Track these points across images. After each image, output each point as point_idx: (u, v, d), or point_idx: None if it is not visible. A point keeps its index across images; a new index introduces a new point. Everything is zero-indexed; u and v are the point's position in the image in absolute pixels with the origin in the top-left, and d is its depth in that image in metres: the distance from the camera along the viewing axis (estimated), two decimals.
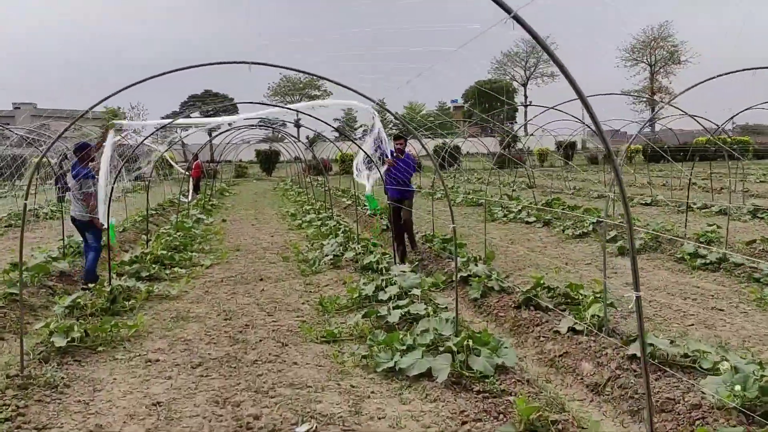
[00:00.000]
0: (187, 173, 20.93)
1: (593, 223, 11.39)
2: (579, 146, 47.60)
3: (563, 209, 14.19)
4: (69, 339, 5.07)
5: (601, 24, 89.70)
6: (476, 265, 7.78)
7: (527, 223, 13.01)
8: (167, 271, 8.30)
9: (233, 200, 22.06)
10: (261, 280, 8.05)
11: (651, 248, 9.18)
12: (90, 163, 7.39)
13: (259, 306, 6.73)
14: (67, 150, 22.44)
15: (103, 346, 5.28)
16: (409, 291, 6.39)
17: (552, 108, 11.81)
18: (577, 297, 6.06)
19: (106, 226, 6.97)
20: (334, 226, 11.81)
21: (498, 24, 2.79)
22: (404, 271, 7.01)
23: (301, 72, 4.92)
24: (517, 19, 2.73)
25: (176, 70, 5.00)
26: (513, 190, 22.39)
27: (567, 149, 41.90)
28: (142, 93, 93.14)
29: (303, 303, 6.83)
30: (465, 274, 7.35)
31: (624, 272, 7.88)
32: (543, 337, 5.26)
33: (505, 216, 13.84)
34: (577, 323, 5.11)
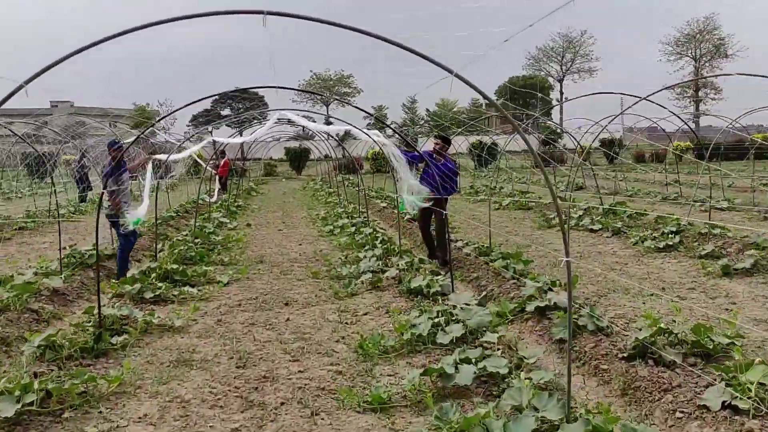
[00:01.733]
0: (214, 171, 19.80)
1: (674, 232, 9.68)
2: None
3: (632, 214, 12.47)
4: (22, 405, 3.70)
5: (643, 15, 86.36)
6: (553, 290, 6.23)
7: (592, 231, 11.34)
8: (176, 291, 6.93)
9: (260, 201, 20.80)
10: (286, 304, 6.62)
11: (765, 269, 7.45)
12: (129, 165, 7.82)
13: (282, 344, 5.29)
14: (89, 147, 21.63)
15: (70, 410, 3.90)
16: (478, 332, 4.87)
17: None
18: (709, 346, 4.47)
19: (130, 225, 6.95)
20: (370, 234, 10.35)
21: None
22: (468, 304, 5.47)
23: (320, 22, 3.27)
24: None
25: (160, 22, 3.53)
26: (563, 191, 20.64)
27: (611, 146, 39.80)
28: (171, 90, 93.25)
29: (338, 340, 5.37)
30: (541, 304, 5.80)
31: (743, 300, 6.22)
32: (681, 412, 3.69)
33: (564, 223, 12.16)
34: (736, 397, 3.53)
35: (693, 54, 64.75)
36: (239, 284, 7.69)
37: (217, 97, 67.76)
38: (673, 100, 62.00)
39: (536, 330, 5.65)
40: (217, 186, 17.77)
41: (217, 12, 3.37)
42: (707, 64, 64.77)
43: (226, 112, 70.23)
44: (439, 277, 6.78)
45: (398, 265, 7.75)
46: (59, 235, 8.40)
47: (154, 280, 7.21)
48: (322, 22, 3.41)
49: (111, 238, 9.31)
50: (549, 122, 42.10)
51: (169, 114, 42.11)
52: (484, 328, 4.96)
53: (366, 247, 9.46)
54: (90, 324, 5.29)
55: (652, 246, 9.24)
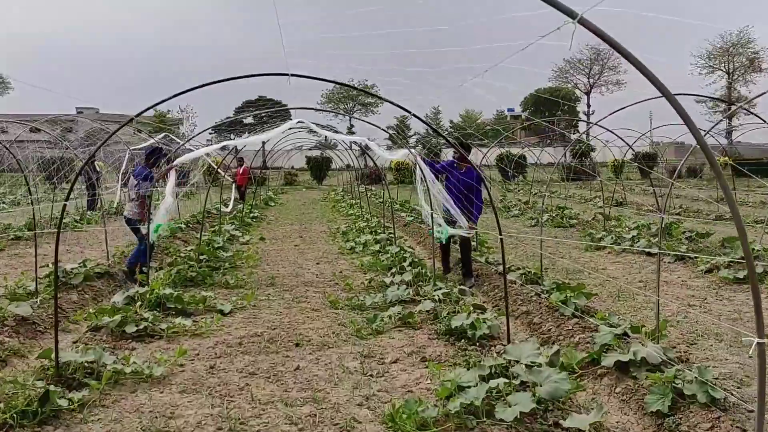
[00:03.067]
0: (231, 180, 18.77)
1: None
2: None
3: (692, 236, 11.03)
4: None
5: (675, 30, 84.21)
6: (634, 337, 4.91)
7: (649, 254, 9.94)
8: (164, 325, 5.73)
9: (278, 211, 19.69)
10: (297, 345, 5.38)
11: None
12: (154, 169, 7.82)
13: (287, 406, 4.05)
14: (100, 154, 20.75)
15: None
16: (553, 402, 3.58)
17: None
18: None
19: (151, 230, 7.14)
20: (397, 254, 9.10)
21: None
22: (536, 362, 4.15)
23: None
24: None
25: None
26: (600, 207, 19.18)
27: (645, 160, 38.13)
28: (192, 98, 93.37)
29: (360, 403, 4.11)
30: (623, 358, 4.48)
31: None
32: None
33: (615, 243, 10.78)
34: None
35: (726, 68, 62.79)
36: (244, 314, 6.49)
37: (239, 106, 67.60)
38: (704, 114, 60.02)
39: (617, 392, 4.33)
40: (233, 195, 16.71)
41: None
42: (740, 78, 62.74)
43: (248, 120, 69.92)
44: (486, 315, 5.48)
45: (433, 295, 6.47)
46: (35, 248, 7.27)
47: (141, 309, 6.03)
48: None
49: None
50: (580, 135, 40.55)
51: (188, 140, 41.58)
52: (560, 398, 3.66)
53: (392, 270, 8.21)
54: (44, 373, 4.12)
55: (730, 276, 7.83)
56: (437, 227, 6.86)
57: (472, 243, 8.71)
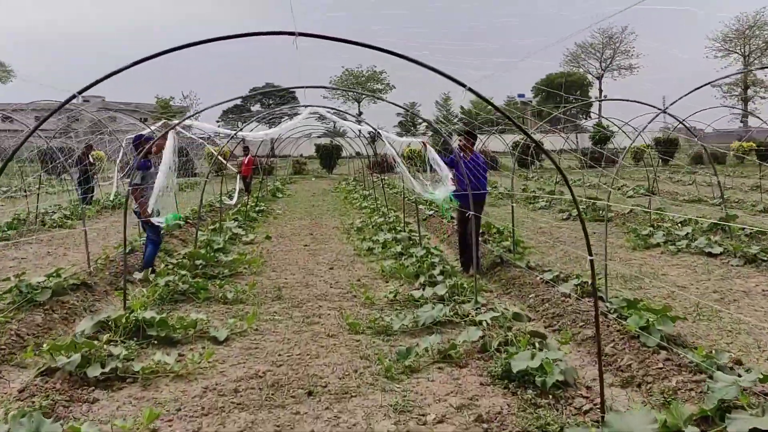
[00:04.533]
0: (235, 171, 17.56)
1: None
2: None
3: (752, 233, 9.69)
4: None
5: (689, 10, 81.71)
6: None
7: (709, 255, 8.61)
8: (138, 367, 4.45)
9: (286, 204, 18.45)
10: (309, 394, 4.14)
11: None
12: (150, 155, 7.44)
13: None
14: (90, 141, 19.58)
15: None
16: None
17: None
18: None
19: (155, 217, 6.64)
20: (423, 258, 7.84)
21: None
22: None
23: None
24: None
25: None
26: (631, 197, 17.80)
27: (668, 146, 36.54)
28: (198, 84, 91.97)
29: None
30: (761, 426, 3.22)
31: None
32: None
33: (668, 242, 9.45)
34: None
35: (742, 51, 60.79)
36: (243, 342, 5.26)
37: (248, 93, 66.29)
38: (720, 98, 58.18)
39: None
40: (237, 186, 15.50)
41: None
42: (756, 61, 60.72)
43: (256, 108, 68.55)
44: (555, 353, 4.20)
45: (476, 318, 5.22)
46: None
47: (115, 339, 4.83)
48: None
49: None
50: (598, 119, 38.98)
51: (196, 114, 40.39)
52: None
53: (421, 280, 6.95)
54: None
55: None
56: (430, 194, 7.37)
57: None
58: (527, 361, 4.02)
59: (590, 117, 66.74)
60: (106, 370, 4.24)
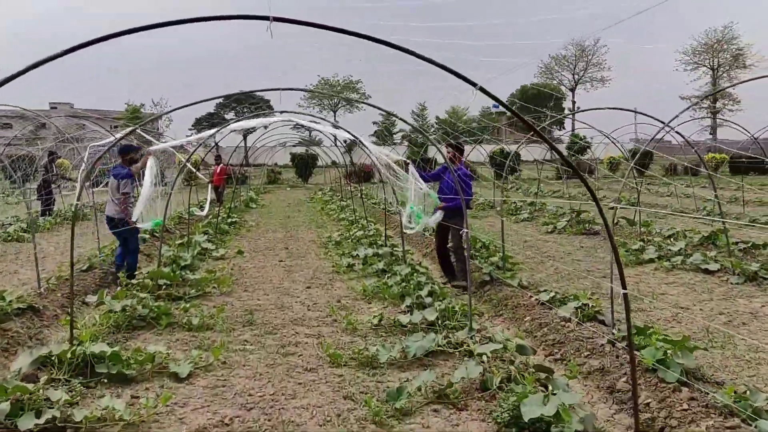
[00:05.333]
0: (206, 180, 16.81)
1: None
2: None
3: (746, 248, 9.34)
4: None
5: (659, 24, 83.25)
6: None
7: (706, 272, 8.22)
8: (83, 413, 3.76)
9: (260, 215, 17.73)
10: None
11: None
12: (133, 166, 7.71)
13: None
14: (54, 148, 18.59)
15: None
16: None
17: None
18: None
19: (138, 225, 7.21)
20: (408, 276, 7.27)
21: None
22: None
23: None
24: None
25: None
26: (612, 208, 17.49)
27: (643, 158, 36.74)
28: (170, 90, 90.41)
29: None
30: None
31: None
32: None
33: (662, 258, 9.04)
34: None
35: (711, 64, 62.12)
36: (207, 379, 4.60)
37: (221, 100, 65.20)
38: (689, 111, 59.20)
39: None
40: (209, 197, 14.75)
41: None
42: (725, 75, 62.06)
43: (230, 116, 67.36)
44: (572, 396, 3.65)
45: (473, 347, 4.66)
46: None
47: (58, 377, 4.14)
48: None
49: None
50: (571, 132, 39.12)
51: (167, 113, 39.33)
52: None
53: (407, 302, 6.37)
54: None
55: None
56: (410, 222, 6.96)
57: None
58: (540, 407, 3.46)
59: (563, 128, 67.40)
60: (42, 421, 3.55)
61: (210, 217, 14.35)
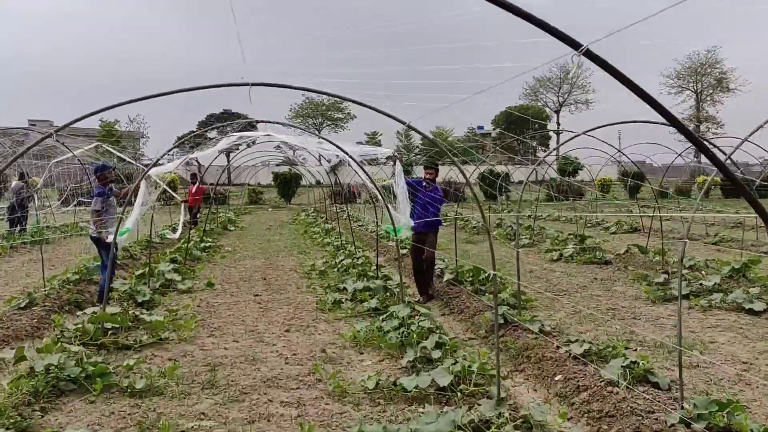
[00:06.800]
0: (180, 200, 15.54)
1: None
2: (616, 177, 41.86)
3: None
4: None
5: (643, 48, 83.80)
6: None
7: (751, 312, 7.10)
8: None
9: (237, 238, 16.40)
10: None
11: None
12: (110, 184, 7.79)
13: None
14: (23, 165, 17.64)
15: None
16: None
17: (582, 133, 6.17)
18: None
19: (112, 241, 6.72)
20: (408, 319, 6.03)
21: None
22: None
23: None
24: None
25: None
26: (613, 233, 16.45)
27: (635, 178, 36.09)
28: (149, 109, 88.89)
29: None
30: None
31: None
32: None
33: (694, 294, 7.92)
34: None
35: (694, 88, 62.39)
36: None
37: (203, 119, 63.90)
38: (674, 133, 59.14)
39: None
40: (182, 218, 13.43)
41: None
42: (708, 98, 62.36)
43: (213, 134, 66.06)
44: None
45: None
46: None
47: None
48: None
49: None
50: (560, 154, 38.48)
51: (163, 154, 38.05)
52: None
53: (410, 354, 5.13)
54: None
55: None
56: (388, 227, 7.34)
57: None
58: None
59: (548, 148, 66.94)
60: None
61: (182, 241, 13.03)
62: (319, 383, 4.84)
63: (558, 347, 5.46)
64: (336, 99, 67.49)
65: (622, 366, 4.66)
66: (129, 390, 4.58)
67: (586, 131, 7.43)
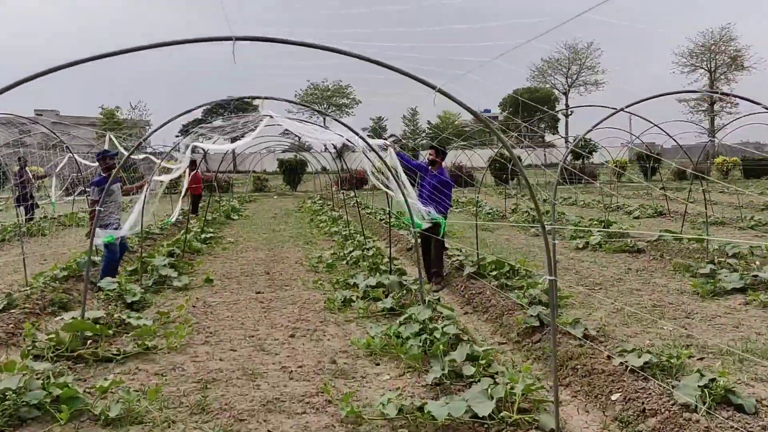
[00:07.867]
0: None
1: None
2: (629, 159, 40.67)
3: None
4: None
5: (656, 26, 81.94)
6: None
7: None
8: None
9: (241, 228, 15.62)
10: None
11: None
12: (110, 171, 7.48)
13: None
14: (25, 153, 17.36)
15: None
16: None
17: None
18: None
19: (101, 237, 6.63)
20: (429, 323, 5.22)
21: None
22: None
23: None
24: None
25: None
26: (638, 217, 15.53)
27: (649, 161, 34.97)
28: (156, 97, 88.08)
29: None
30: None
31: None
32: None
33: (748, 287, 7.06)
34: None
35: (708, 66, 60.60)
36: None
37: (208, 107, 63.11)
38: (687, 113, 57.71)
39: None
40: (178, 205, 12.64)
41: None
42: (722, 77, 60.64)
43: (218, 122, 65.17)
44: None
45: None
46: None
47: None
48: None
49: None
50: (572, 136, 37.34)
51: (161, 126, 37.29)
52: None
53: (435, 369, 4.33)
54: None
55: None
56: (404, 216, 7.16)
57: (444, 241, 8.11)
58: None
59: (557, 131, 65.60)
60: None
61: (182, 232, 12.25)
62: (328, 406, 4.05)
63: (609, 357, 4.65)
64: (341, 83, 66.60)
65: (698, 386, 3.83)
66: (102, 417, 3.81)
67: (627, 106, 6.53)
